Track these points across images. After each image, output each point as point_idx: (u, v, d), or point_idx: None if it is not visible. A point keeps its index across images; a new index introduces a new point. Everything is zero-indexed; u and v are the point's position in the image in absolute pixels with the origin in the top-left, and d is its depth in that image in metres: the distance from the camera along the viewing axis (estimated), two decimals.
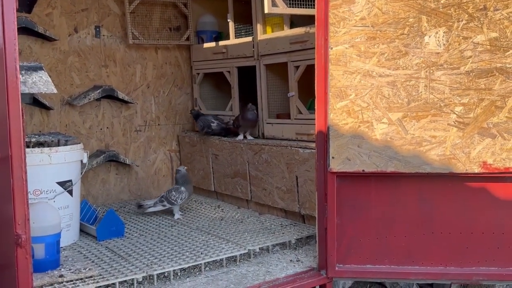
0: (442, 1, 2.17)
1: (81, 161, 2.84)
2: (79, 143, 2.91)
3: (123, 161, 3.93)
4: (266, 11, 2.47)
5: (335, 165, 2.33)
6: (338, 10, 2.25)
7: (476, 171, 2.22)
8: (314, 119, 2.37)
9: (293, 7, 2.57)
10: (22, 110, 1.78)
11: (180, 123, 4.40)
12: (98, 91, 3.71)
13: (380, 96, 2.26)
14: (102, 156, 3.74)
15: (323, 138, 2.36)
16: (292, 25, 3.32)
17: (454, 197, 2.31)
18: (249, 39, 3.55)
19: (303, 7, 2.67)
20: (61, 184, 2.73)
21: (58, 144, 2.77)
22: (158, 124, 4.28)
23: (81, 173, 2.89)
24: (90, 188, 3.89)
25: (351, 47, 2.27)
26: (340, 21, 2.26)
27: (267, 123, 3.49)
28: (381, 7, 2.22)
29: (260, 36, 3.45)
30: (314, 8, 2.35)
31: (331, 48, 2.28)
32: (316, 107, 2.38)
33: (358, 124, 2.29)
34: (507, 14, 2.14)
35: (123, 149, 4.10)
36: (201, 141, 4.01)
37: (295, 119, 3.27)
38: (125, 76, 4.05)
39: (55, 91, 2.50)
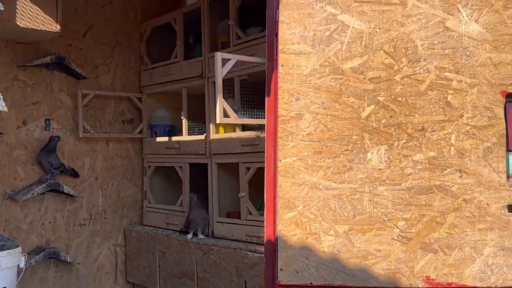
0: (383, 121, 2.34)
1: (18, 265, 2.72)
2: (17, 246, 2.80)
3: (64, 259, 3.78)
4: (217, 121, 2.58)
5: (283, 277, 2.34)
6: (287, 125, 2.38)
7: (420, 286, 2.28)
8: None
9: (245, 117, 2.70)
10: None
11: (128, 216, 4.33)
12: (43, 185, 3.64)
13: (327, 208, 2.35)
14: (41, 254, 3.59)
15: (272, 248, 2.38)
16: (244, 128, 3.45)
17: None
18: (202, 137, 3.65)
19: (256, 118, 2.80)
20: None
21: None
22: (104, 218, 4.19)
23: (17, 278, 2.75)
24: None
25: (299, 160, 2.37)
26: (289, 135, 2.38)
27: (217, 221, 3.49)
28: (327, 124, 2.36)
29: (213, 136, 3.55)
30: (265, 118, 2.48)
31: (280, 160, 2.38)
32: (265, 217, 2.42)
33: (306, 235, 2.35)
34: (444, 135, 2.32)
35: (65, 245, 3.96)
36: (149, 237, 3.94)
37: (245, 219, 3.30)
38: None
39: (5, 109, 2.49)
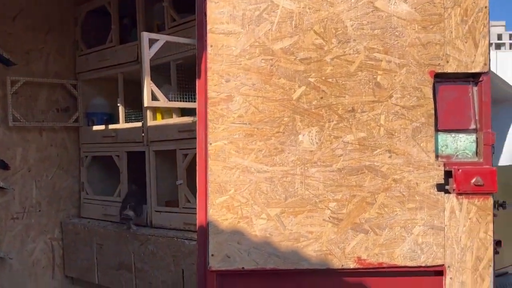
0: (314, 103, 2.33)
1: None
2: None
3: None
4: (145, 104, 2.50)
5: (215, 263, 2.30)
6: (217, 107, 2.33)
7: (351, 266, 2.30)
8: None
9: (177, 100, 2.62)
10: None
11: (64, 209, 4.18)
12: None
13: (259, 191, 2.32)
14: None
15: (204, 235, 2.34)
16: (183, 113, 3.38)
17: None
18: (139, 124, 3.55)
19: (189, 101, 2.74)
20: None
21: None
22: (39, 210, 4.03)
23: None
24: None
25: (230, 143, 2.33)
26: (219, 117, 2.33)
27: (156, 211, 3.42)
28: (258, 106, 2.33)
29: (150, 122, 3.46)
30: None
31: (211, 144, 2.33)
32: (197, 203, 2.37)
33: (238, 220, 2.31)
34: (373, 116, 2.34)
35: None
36: (86, 229, 3.81)
37: (183, 207, 3.24)
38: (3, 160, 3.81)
39: None
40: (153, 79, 2.61)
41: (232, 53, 2.32)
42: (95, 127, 4.01)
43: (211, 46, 2.32)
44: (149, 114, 3.45)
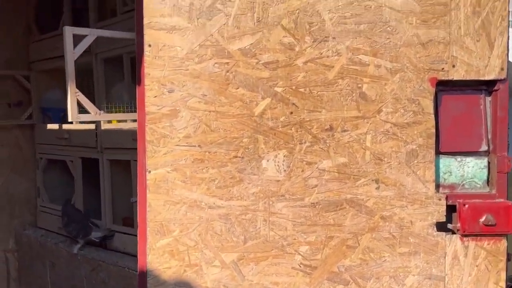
0: (281, 119, 1.85)
1: None
2: None
3: None
4: (69, 119, 2.02)
5: None
6: (157, 125, 1.85)
7: None
8: None
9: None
10: None
11: (20, 216, 3.75)
12: None
13: (211, 232, 1.86)
14: None
15: (144, 284, 1.89)
16: None
17: None
18: (92, 126, 3.08)
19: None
20: None
21: None
22: None
23: None
24: None
25: (174, 171, 1.86)
26: (160, 138, 1.86)
27: (111, 230, 2.97)
28: (210, 124, 1.85)
29: (104, 125, 2.99)
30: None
31: (149, 172, 1.86)
32: (138, 244, 1.93)
33: (184, 268, 1.86)
34: (357, 136, 1.86)
35: None
36: (38, 244, 3.39)
37: None
38: None
39: None
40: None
41: (177, 55, 1.83)
42: (49, 126, 3.54)
43: (149, 45, 1.83)
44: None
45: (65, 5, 3.26)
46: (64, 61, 2.05)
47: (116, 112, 2.97)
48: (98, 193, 3.11)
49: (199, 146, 1.85)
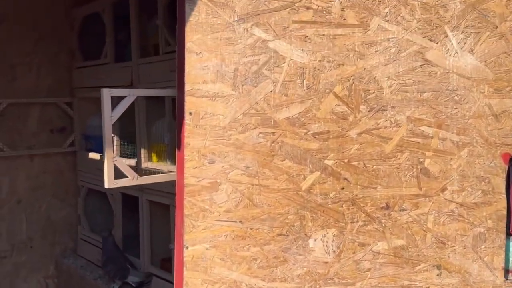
0: (331, 195, 1.69)
1: None
2: None
3: None
4: (106, 185, 1.94)
5: None
6: (196, 198, 1.73)
7: None
8: None
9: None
10: None
11: (61, 242, 3.75)
12: None
13: None
14: None
15: None
16: None
17: None
18: (133, 163, 3.00)
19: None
20: None
21: None
22: (31, 247, 3.61)
23: None
24: None
25: (213, 248, 1.74)
26: (199, 212, 1.74)
27: (148, 275, 2.90)
28: (253, 198, 1.71)
29: (144, 163, 2.91)
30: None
31: (187, 248, 1.75)
32: None
33: None
34: (417, 216, 1.68)
35: None
36: (78, 276, 3.38)
37: None
38: None
39: None
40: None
41: (219, 123, 1.70)
42: (91, 155, 3.50)
43: (190, 114, 1.71)
44: (143, 152, 2.90)
45: (107, 36, 3.19)
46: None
47: (156, 151, 2.90)
48: (137, 229, 3.04)
49: (240, 221, 1.72)
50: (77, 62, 3.63)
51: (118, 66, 3.15)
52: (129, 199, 3.14)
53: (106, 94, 1.79)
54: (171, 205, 2.67)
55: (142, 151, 2.91)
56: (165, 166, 2.75)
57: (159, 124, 2.86)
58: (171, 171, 2.18)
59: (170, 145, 2.68)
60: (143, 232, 2.94)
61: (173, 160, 2.75)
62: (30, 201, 3.59)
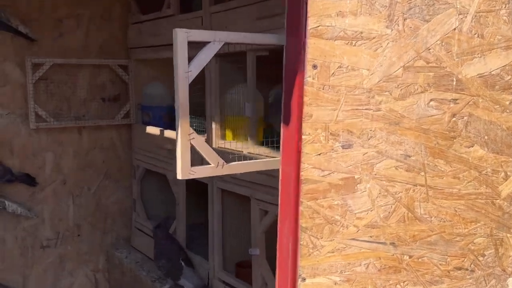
0: None
1: None
2: None
3: None
4: (179, 176, 1.32)
5: None
6: (321, 203, 1.09)
7: None
8: None
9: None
10: None
11: (113, 230, 3.26)
12: None
13: None
14: None
15: None
16: (266, 132, 2.18)
17: None
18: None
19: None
20: None
21: None
22: (78, 235, 3.15)
23: None
24: None
25: (346, 283, 1.10)
26: (325, 225, 1.10)
27: (219, 279, 2.33)
28: (414, 207, 1.06)
29: (216, 142, 2.30)
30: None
31: (304, 280, 1.12)
32: None
33: None
34: None
35: (21, 276, 2.98)
36: (131, 274, 2.87)
37: None
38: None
39: None
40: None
41: (362, 84, 1.06)
42: (149, 129, 2.95)
43: (314, 66, 1.07)
44: (214, 127, 2.30)
45: None
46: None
47: (231, 127, 2.30)
48: (206, 222, 2.47)
49: (392, 244, 1.08)
50: (133, 16, 3.06)
51: (185, 18, 2.54)
52: (195, 183, 2.56)
53: (182, 37, 1.18)
54: (252, 197, 2.06)
55: (214, 126, 2.31)
56: (245, 146, 2.13)
57: (236, 92, 2.24)
58: (272, 157, 1.56)
59: (253, 119, 2.07)
60: (212, 229, 2.36)
61: (256, 139, 2.13)
62: (78, 181, 3.10)
